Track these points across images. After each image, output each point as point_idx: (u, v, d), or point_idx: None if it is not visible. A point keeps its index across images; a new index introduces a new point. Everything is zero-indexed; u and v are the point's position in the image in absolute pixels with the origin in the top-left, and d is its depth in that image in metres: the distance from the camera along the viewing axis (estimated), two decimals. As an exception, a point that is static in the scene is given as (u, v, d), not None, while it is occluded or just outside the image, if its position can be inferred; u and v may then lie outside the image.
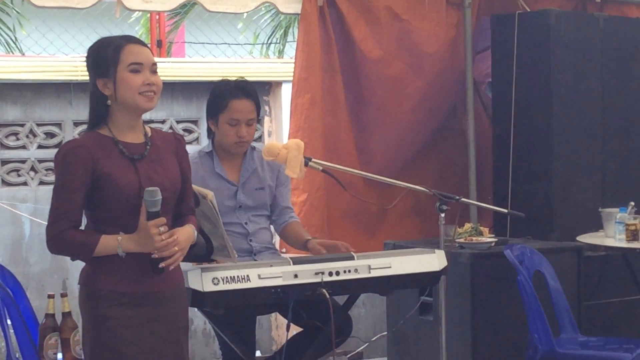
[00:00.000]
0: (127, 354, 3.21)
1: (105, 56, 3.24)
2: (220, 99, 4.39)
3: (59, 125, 6.17)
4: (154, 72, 3.29)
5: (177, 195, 3.35)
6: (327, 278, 3.86)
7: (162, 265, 3.21)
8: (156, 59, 3.43)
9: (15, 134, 6.08)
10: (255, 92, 4.52)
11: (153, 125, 6.15)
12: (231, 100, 4.37)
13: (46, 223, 3.24)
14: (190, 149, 6.23)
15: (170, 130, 6.33)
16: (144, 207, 3.17)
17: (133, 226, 3.19)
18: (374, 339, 6.15)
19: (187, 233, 3.30)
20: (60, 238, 3.20)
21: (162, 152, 3.35)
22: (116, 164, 3.22)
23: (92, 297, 3.24)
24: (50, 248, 3.25)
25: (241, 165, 4.48)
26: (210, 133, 4.50)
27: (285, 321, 4.03)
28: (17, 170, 6.10)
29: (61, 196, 3.20)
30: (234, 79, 4.53)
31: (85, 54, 3.35)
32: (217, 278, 3.66)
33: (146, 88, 3.24)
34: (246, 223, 4.45)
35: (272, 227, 4.63)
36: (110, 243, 3.19)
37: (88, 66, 3.31)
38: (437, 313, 4.60)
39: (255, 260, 4.37)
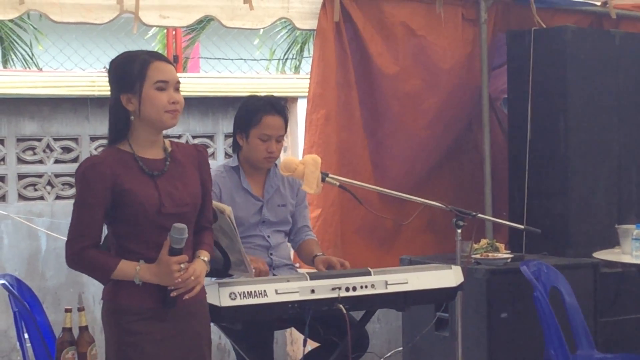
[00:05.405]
0: None
1: (130, 71, 3.22)
2: (253, 114, 4.41)
3: (76, 140, 6.20)
4: (177, 89, 3.29)
5: (198, 210, 3.35)
6: (344, 293, 3.86)
7: (174, 294, 3.21)
8: (173, 75, 3.45)
9: (33, 148, 6.11)
10: (285, 109, 4.55)
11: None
12: (265, 116, 4.39)
13: (63, 237, 3.25)
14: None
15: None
16: (168, 241, 3.18)
17: (154, 242, 3.21)
18: (389, 354, 6.14)
19: (201, 267, 3.31)
20: (80, 256, 3.21)
21: (182, 167, 3.34)
22: (136, 180, 3.22)
23: (115, 312, 3.24)
24: (68, 263, 3.26)
25: (265, 182, 4.50)
26: (237, 147, 4.50)
27: (301, 336, 4.03)
28: (34, 185, 6.13)
29: (81, 213, 3.21)
30: (263, 94, 4.55)
31: (107, 68, 3.34)
32: (234, 293, 3.66)
33: (172, 107, 3.24)
34: (268, 236, 4.47)
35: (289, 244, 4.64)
36: (129, 271, 3.20)
37: (110, 80, 3.30)
38: (453, 329, 4.59)
39: (274, 275, 4.38)
